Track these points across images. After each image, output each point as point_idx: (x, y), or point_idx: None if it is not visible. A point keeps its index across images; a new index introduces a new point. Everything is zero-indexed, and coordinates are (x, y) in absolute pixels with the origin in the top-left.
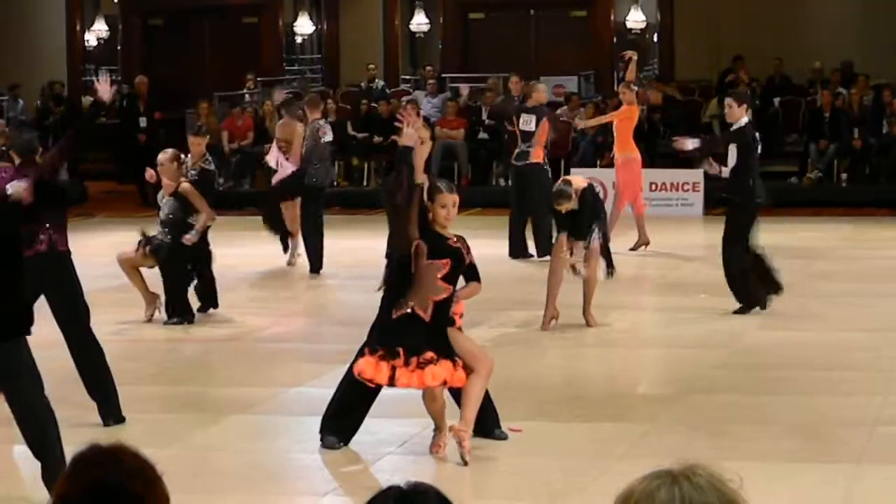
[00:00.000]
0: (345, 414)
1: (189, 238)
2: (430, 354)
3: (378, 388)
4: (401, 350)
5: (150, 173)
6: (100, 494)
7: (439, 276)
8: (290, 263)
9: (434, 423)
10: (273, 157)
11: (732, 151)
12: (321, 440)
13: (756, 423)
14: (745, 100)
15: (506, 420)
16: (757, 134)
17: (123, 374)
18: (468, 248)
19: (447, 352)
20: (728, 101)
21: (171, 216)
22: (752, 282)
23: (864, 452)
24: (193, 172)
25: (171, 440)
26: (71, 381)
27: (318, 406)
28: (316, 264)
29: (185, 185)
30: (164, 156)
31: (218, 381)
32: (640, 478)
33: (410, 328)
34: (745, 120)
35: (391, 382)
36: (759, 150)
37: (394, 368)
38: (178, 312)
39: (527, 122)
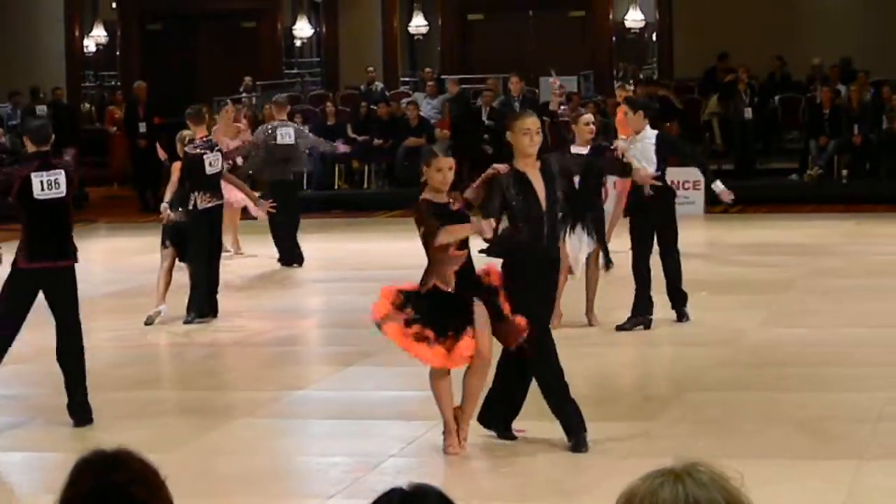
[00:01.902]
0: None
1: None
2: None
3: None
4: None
5: (160, 152)
6: (103, 499)
7: (452, 248)
8: (237, 252)
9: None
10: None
11: (651, 159)
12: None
13: (760, 421)
14: (640, 105)
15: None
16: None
17: (126, 380)
18: (462, 199)
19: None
20: (624, 108)
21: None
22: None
23: (867, 449)
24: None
25: (176, 444)
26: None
27: (322, 409)
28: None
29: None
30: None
31: (222, 385)
32: (643, 476)
33: (438, 304)
34: (649, 129)
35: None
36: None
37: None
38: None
39: None
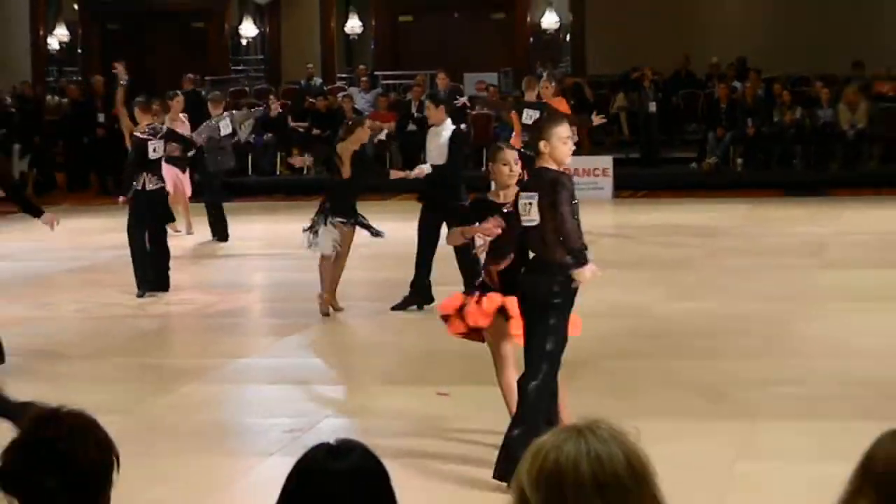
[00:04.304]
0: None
1: None
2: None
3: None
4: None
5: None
6: (32, 450)
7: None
8: (189, 233)
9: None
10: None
11: (443, 150)
12: None
13: (662, 386)
14: (441, 100)
15: (435, 385)
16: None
17: (87, 348)
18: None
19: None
20: (427, 103)
21: None
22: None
23: (758, 411)
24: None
25: (130, 407)
26: (32, 355)
27: (263, 375)
28: (221, 235)
29: None
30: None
31: (172, 353)
32: (550, 433)
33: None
34: (449, 122)
35: (460, 313)
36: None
37: (463, 306)
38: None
39: (530, 117)
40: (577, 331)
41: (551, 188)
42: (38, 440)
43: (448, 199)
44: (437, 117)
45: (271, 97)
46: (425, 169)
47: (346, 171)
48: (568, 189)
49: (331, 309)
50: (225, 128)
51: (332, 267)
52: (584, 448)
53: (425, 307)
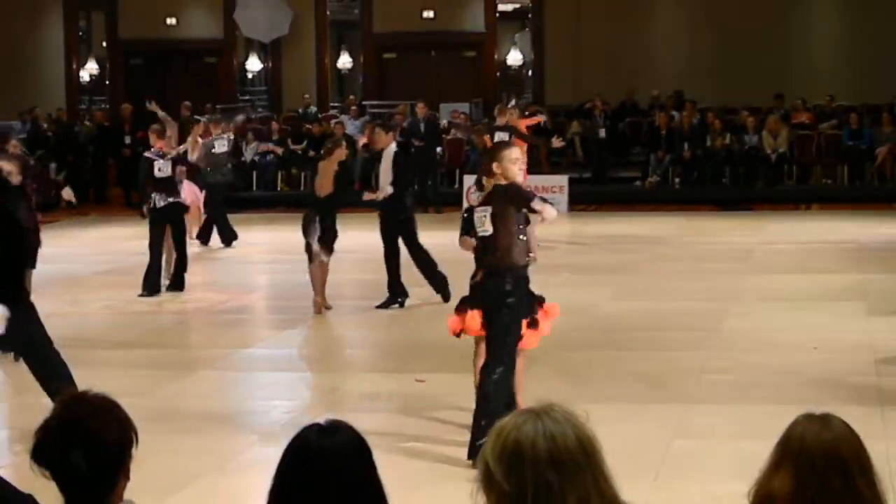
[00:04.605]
0: None
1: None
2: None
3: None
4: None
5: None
6: (63, 426)
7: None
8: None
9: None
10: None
11: (389, 171)
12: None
13: (608, 374)
14: (390, 127)
15: (414, 373)
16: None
17: (111, 340)
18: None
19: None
20: (377, 130)
21: None
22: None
23: (692, 395)
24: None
25: (149, 391)
26: (62, 346)
27: (266, 364)
28: (227, 240)
29: None
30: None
31: (186, 344)
32: (511, 415)
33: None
34: (394, 145)
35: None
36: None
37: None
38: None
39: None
40: (535, 342)
41: (504, 196)
42: (66, 419)
43: (397, 213)
44: (385, 142)
45: (239, 116)
46: (388, 190)
47: (327, 188)
48: (520, 186)
49: (323, 308)
50: (220, 146)
51: (319, 272)
52: (541, 428)
53: (406, 304)
